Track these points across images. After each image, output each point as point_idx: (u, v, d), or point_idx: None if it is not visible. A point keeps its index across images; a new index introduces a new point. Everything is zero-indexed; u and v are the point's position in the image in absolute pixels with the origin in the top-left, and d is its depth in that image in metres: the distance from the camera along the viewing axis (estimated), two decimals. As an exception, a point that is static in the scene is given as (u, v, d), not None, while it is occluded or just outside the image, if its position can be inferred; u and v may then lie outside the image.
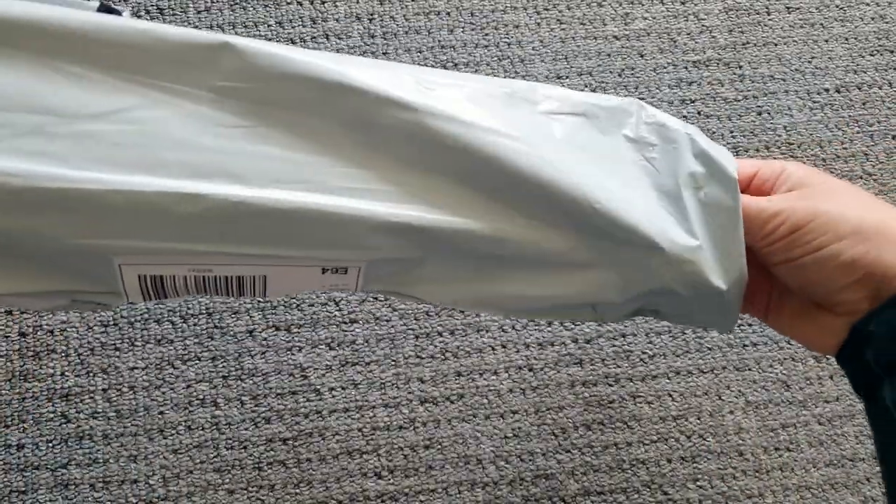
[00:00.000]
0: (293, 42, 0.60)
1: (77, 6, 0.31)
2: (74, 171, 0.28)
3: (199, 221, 0.29)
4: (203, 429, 0.51)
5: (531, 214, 0.32)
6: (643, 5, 0.64)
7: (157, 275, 0.31)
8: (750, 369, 0.55)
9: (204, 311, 0.53)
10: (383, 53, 0.60)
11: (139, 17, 0.60)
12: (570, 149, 0.33)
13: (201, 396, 0.51)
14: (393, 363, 0.53)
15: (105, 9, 0.31)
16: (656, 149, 0.34)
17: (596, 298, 0.34)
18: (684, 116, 0.61)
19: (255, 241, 0.30)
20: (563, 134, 0.33)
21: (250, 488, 0.50)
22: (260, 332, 0.53)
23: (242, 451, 0.50)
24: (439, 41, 0.61)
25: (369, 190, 0.31)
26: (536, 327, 0.54)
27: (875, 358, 0.32)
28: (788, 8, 0.65)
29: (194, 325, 0.53)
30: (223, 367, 0.52)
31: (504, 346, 0.54)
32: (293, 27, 0.60)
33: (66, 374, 0.51)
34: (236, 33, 0.60)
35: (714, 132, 0.60)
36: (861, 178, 0.60)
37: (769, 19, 0.64)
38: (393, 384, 0.52)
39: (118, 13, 0.31)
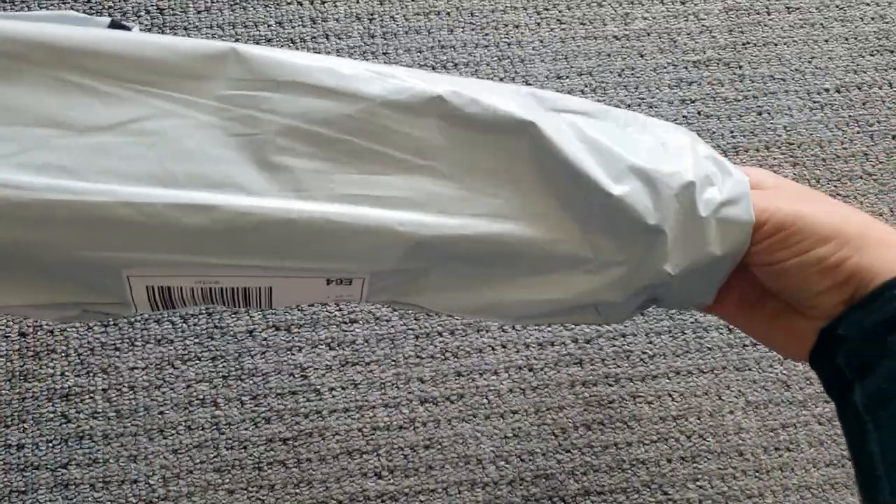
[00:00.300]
0: (293, 42, 0.60)
1: (88, 23, 0.31)
2: (84, 183, 0.28)
3: (209, 233, 0.29)
4: (203, 429, 0.51)
5: (536, 214, 0.32)
6: (643, 5, 0.64)
7: (166, 286, 0.31)
8: (750, 369, 0.55)
9: (204, 311, 0.53)
10: (383, 53, 0.60)
11: (139, 16, 0.60)
12: (580, 139, 0.33)
13: (201, 396, 0.51)
14: (393, 363, 0.53)
15: (116, 25, 0.31)
16: (666, 147, 0.34)
17: (599, 298, 0.34)
18: (684, 116, 0.61)
19: (263, 252, 0.30)
20: (571, 126, 0.33)
21: (250, 488, 0.50)
22: (260, 332, 0.53)
23: (242, 451, 0.50)
24: (439, 41, 0.61)
25: (376, 197, 0.31)
26: (536, 327, 0.54)
27: (846, 360, 0.31)
28: (788, 8, 0.65)
29: (194, 325, 0.53)
30: (223, 367, 0.52)
31: (504, 346, 0.54)
32: (293, 27, 0.60)
33: (66, 374, 0.51)
34: (236, 33, 0.60)
35: (714, 132, 0.60)
36: (861, 178, 0.60)
37: (769, 19, 0.64)
38: (393, 384, 0.52)
39: (128, 29, 0.31)
